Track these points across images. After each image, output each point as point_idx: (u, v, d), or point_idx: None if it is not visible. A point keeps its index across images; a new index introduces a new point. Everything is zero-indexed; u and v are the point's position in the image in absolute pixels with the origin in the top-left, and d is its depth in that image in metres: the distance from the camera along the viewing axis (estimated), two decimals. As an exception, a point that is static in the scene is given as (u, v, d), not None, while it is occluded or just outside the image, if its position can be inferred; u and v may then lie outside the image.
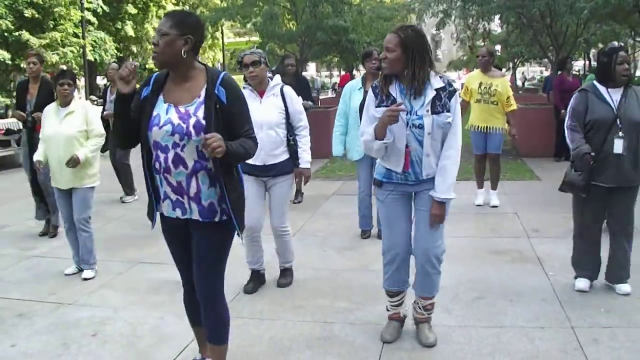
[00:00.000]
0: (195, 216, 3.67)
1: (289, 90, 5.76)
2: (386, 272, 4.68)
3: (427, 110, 4.23)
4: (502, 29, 30.14)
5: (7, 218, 9.28)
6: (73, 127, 6.25)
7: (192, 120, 3.50)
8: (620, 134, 5.24)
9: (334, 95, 35.52)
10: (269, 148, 5.55)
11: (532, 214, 8.53)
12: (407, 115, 4.25)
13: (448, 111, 4.25)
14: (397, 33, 4.23)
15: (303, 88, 9.66)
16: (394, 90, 4.33)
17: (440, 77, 4.33)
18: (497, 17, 23.43)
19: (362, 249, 7.26)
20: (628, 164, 5.30)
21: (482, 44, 27.54)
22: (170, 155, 3.56)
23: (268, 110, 5.58)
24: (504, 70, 33.55)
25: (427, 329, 4.69)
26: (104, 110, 10.33)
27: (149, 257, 6.98)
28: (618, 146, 5.24)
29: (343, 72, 38.45)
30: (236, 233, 3.79)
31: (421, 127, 4.25)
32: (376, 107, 4.38)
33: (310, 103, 9.73)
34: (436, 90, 4.24)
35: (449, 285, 5.71)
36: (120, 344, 4.83)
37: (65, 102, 6.34)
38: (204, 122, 3.49)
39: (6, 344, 4.88)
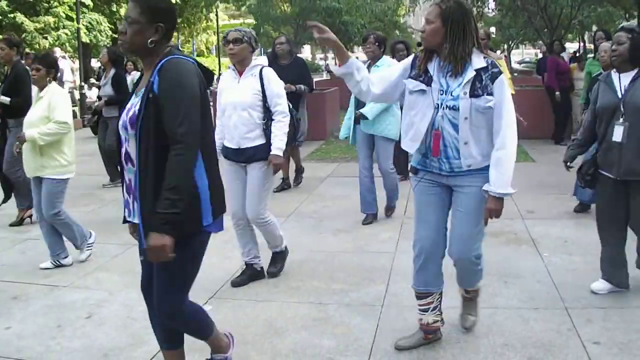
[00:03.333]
0: (137, 219, 3.31)
1: (268, 72, 5.48)
2: (414, 268, 4.28)
3: (465, 92, 3.82)
4: (495, 12, 30.03)
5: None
6: (37, 113, 6.04)
7: (131, 113, 3.21)
8: (621, 120, 4.85)
9: (329, 78, 35.45)
10: (242, 130, 5.37)
11: (526, 195, 8.52)
12: (440, 95, 3.88)
13: (490, 95, 3.81)
14: (438, 4, 3.84)
15: (298, 68, 9.59)
16: (432, 67, 3.94)
17: (485, 57, 3.88)
18: (491, 0, 23.43)
19: (358, 231, 7.27)
20: (631, 153, 4.81)
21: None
22: (123, 150, 3.35)
23: (243, 91, 5.38)
24: (498, 52, 33.50)
25: (467, 310, 4.55)
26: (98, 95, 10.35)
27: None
28: (617, 133, 4.86)
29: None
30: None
31: (455, 109, 3.83)
32: (408, 77, 4.02)
33: (302, 87, 9.40)
34: (476, 70, 3.81)
35: (444, 266, 5.72)
36: (116, 326, 4.83)
37: (40, 87, 6.14)
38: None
39: (1, 326, 4.88)
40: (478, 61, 3.85)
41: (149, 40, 3.17)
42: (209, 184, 3.26)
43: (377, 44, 7.41)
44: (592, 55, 11.73)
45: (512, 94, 8.86)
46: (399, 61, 6.59)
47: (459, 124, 3.86)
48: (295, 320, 4.82)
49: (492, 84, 3.82)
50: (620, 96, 4.91)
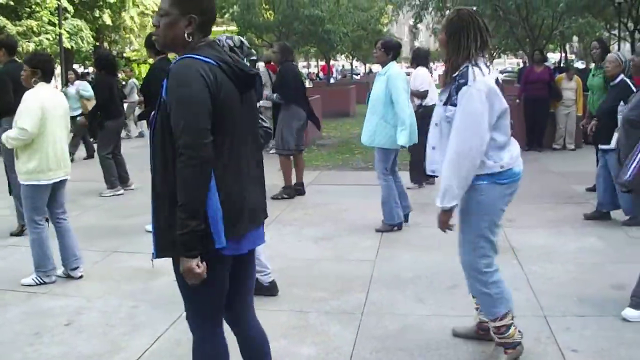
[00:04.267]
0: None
1: None
2: None
3: (441, 100, 4.00)
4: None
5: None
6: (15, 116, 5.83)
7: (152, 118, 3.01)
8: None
9: (311, 86, 35.50)
10: None
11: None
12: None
13: (453, 105, 3.85)
14: (446, 16, 4.02)
15: (278, 77, 9.72)
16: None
17: (466, 66, 3.86)
18: (473, 9, 23.52)
19: (339, 239, 7.27)
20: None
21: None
22: None
23: None
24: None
25: (493, 353, 4.25)
26: None
27: (124, 246, 6.96)
28: (614, 140, 5.16)
29: (322, 63, 38.58)
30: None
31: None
32: None
33: (273, 95, 9.56)
34: (451, 79, 3.94)
35: (424, 275, 5.76)
36: (95, 333, 4.80)
37: (28, 88, 5.90)
38: None
39: (-22, 333, 4.84)
40: (461, 72, 3.90)
41: (185, 34, 2.94)
42: (222, 201, 2.90)
43: (383, 49, 7.45)
44: (583, 65, 11.77)
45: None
46: None
47: (431, 128, 4.07)
48: (275, 329, 4.78)
49: (456, 94, 3.85)
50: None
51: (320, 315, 5.07)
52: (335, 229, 7.63)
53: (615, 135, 5.10)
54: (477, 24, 3.93)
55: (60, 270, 6.06)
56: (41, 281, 5.88)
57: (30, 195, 5.83)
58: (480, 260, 4.07)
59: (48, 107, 5.76)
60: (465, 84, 3.81)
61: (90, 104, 12.75)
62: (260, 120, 5.09)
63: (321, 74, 47.58)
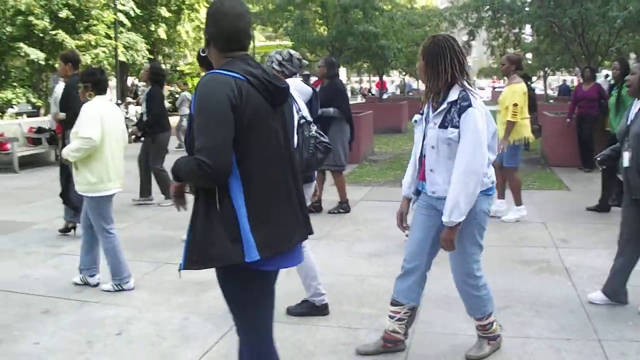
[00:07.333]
0: None
1: None
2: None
3: (435, 123, 4.13)
4: (532, 37, 29.80)
5: (37, 216, 9.37)
6: (73, 129, 5.95)
7: None
8: (626, 145, 5.23)
9: (364, 101, 35.51)
10: None
11: (560, 224, 8.44)
12: (427, 125, 4.24)
13: (455, 127, 4.02)
14: (423, 42, 4.23)
15: (330, 91, 9.58)
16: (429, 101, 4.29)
17: (462, 89, 4.07)
18: (528, 26, 23.23)
19: (389, 255, 7.22)
20: (634, 176, 5.19)
21: (513, 51, 27.31)
22: None
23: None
24: (534, 78, 33.26)
25: (477, 344, 4.59)
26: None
27: (175, 258, 6.98)
28: (625, 159, 5.23)
29: (377, 79, 38.65)
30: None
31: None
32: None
33: (330, 110, 9.34)
34: (449, 103, 4.07)
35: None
36: (144, 344, 4.84)
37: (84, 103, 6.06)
38: None
39: (31, 340, 4.92)
40: (453, 94, 4.09)
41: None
42: (250, 216, 2.92)
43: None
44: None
45: (508, 121, 8.61)
46: None
47: (427, 151, 4.23)
48: (324, 344, 4.79)
49: (459, 117, 4.02)
50: (627, 123, 5.31)
51: (369, 332, 5.02)
52: (386, 246, 7.58)
53: (626, 155, 5.15)
54: (453, 48, 4.11)
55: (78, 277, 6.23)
56: (120, 288, 6.04)
57: (96, 205, 5.97)
58: (474, 264, 4.38)
59: (106, 118, 5.89)
60: (470, 106, 4.01)
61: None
62: (319, 135, 5.09)
63: (374, 89, 47.61)
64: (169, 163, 10.51)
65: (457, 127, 4.01)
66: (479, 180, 4.02)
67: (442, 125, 4.08)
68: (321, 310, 5.41)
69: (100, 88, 6.04)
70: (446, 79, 4.07)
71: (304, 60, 5.72)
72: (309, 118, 5.14)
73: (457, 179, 3.99)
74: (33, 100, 24.50)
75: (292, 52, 5.67)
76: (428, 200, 4.32)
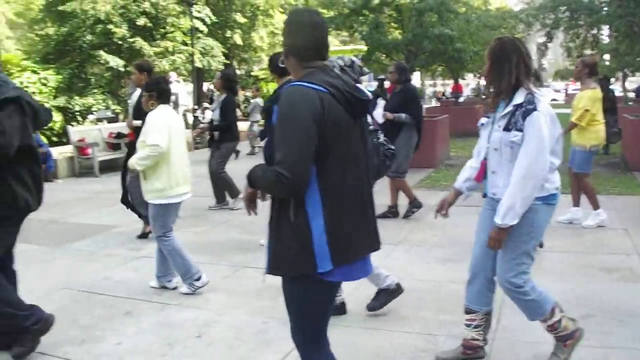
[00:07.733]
0: None
1: None
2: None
3: (500, 126, 4.11)
4: (611, 38, 29.10)
5: (117, 219, 9.56)
6: (139, 139, 6.04)
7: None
8: None
9: (438, 105, 35.23)
10: None
11: (644, 230, 8.18)
12: (491, 127, 4.23)
13: (519, 130, 3.97)
14: (490, 45, 4.22)
15: (402, 96, 9.39)
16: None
17: (528, 92, 4.03)
18: (606, 27, 22.75)
19: (466, 261, 7.04)
20: None
21: (591, 53, 26.66)
22: None
23: None
24: (613, 80, 32.44)
25: (554, 349, 4.40)
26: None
27: (253, 262, 7.02)
28: None
29: (453, 82, 38.28)
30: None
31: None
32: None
33: (402, 115, 9.15)
34: (514, 106, 4.03)
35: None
36: (223, 347, 4.87)
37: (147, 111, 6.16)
38: None
39: (112, 341, 5.01)
40: (519, 97, 4.04)
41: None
42: (327, 226, 2.93)
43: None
44: None
45: (573, 122, 8.35)
46: None
47: (489, 154, 4.22)
48: (403, 350, 4.74)
49: (523, 120, 3.96)
50: None
51: (448, 339, 4.93)
52: (462, 251, 7.43)
53: None
54: (519, 51, 4.09)
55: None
56: (196, 287, 6.09)
57: (162, 213, 6.03)
58: (522, 276, 4.20)
59: (171, 124, 5.99)
60: (535, 109, 3.96)
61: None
62: (385, 142, 5.05)
63: (448, 93, 47.13)
64: (235, 167, 10.59)
65: (521, 130, 3.96)
66: (537, 185, 3.96)
67: (506, 128, 4.05)
68: (396, 291, 5.54)
69: (164, 97, 6.12)
70: (511, 81, 4.06)
71: (365, 69, 5.69)
72: (376, 125, 5.14)
73: (516, 182, 3.95)
74: (112, 106, 25.05)
75: (354, 58, 5.63)
76: (491, 203, 4.28)
